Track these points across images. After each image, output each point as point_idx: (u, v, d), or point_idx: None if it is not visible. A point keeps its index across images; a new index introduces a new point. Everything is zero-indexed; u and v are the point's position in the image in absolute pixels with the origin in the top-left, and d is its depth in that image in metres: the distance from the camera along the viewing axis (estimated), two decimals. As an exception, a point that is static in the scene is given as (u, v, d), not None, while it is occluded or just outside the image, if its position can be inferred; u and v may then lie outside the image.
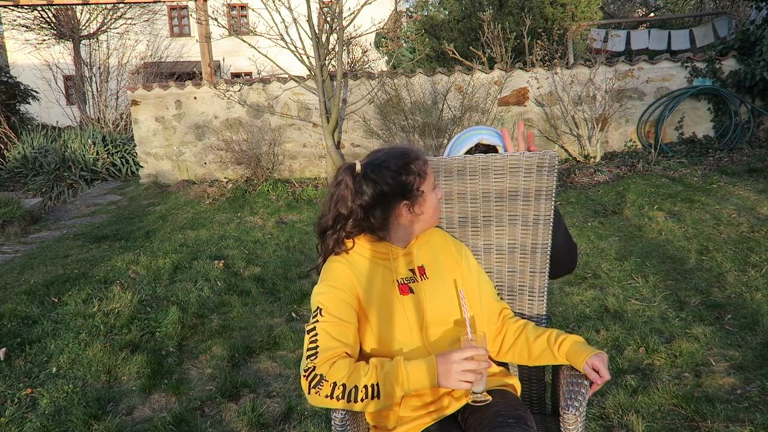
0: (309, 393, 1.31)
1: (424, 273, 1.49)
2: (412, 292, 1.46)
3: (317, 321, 1.36)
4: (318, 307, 1.38)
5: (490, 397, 1.35)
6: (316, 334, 1.35)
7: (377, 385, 1.28)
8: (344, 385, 1.28)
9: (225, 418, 2.53)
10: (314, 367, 1.31)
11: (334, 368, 1.30)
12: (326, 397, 1.29)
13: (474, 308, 1.50)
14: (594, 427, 2.28)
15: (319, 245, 1.51)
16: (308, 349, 1.34)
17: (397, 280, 1.46)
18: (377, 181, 1.40)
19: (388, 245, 1.48)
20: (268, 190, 7.16)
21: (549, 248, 1.68)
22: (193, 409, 2.60)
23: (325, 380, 1.29)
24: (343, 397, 1.28)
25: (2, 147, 10.11)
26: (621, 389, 2.49)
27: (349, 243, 1.46)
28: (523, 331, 1.51)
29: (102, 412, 2.59)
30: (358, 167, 1.42)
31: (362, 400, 1.28)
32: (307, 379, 1.30)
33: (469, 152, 1.87)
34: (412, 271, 1.48)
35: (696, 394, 2.42)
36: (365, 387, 1.28)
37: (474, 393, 1.33)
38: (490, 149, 1.87)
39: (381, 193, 1.41)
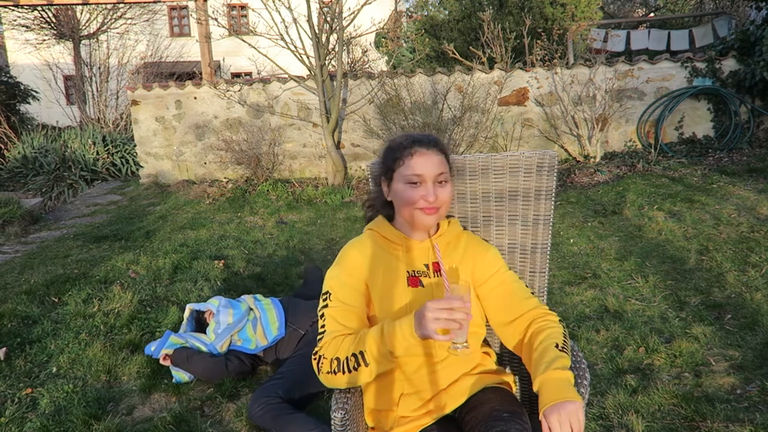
0: (319, 374, 1.39)
1: (439, 270, 1.50)
2: (421, 285, 1.48)
3: (326, 306, 1.45)
4: (328, 291, 1.47)
5: (469, 348, 1.32)
6: (324, 319, 1.44)
7: (362, 352, 1.34)
8: (338, 359, 1.36)
9: (225, 418, 2.53)
10: (319, 349, 1.40)
11: (331, 345, 1.39)
12: (327, 373, 1.37)
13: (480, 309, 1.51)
14: (594, 427, 2.28)
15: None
16: (318, 333, 1.45)
17: (408, 272, 1.48)
18: (381, 157, 1.56)
19: (403, 237, 1.52)
20: (268, 190, 7.16)
21: (549, 248, 1.69)
22: (193, 409, 2.60)
23: (325, 358, 1.38)
24: (339, 370, 1.35)
25: (2, 147, 10.11)
26: (621, 389, 2.49)
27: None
28: (535, 339, 1.43)
29: (102, 412, 2.59)
30: None
31: (355, 368, 1.34)
32: (315, 362, 1.41)
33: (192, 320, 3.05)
34: (427, 266, 1.51)
35: (696, 394, 2.42)
36: (353, 355, 1.35)
37: (454, 343, 1.31)
38: (201, 315, 2.98)
39: (378, 169, 1.57)
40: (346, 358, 1.35)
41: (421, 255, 1.51)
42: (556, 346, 1.35)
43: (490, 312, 1.52)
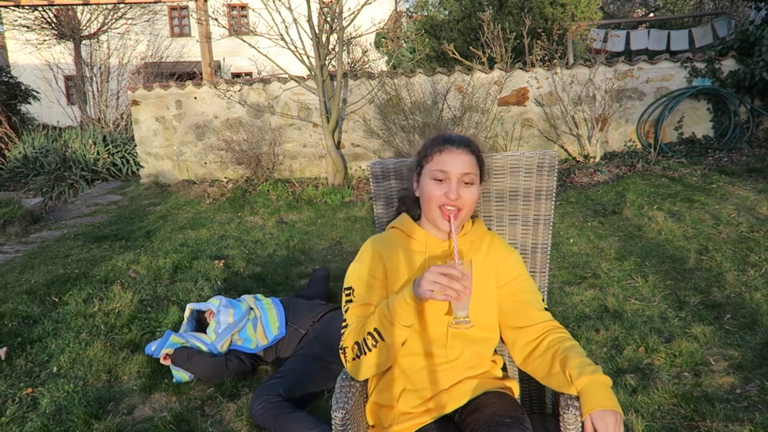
0: (346, 364, 1.44)
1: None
2: None
3: (350, 301, 1.49)
4: (351, 287, 1.51)
5: (471, 324, 1.36)
6: (347, 314, 1.48)
7: (376, 328, 1.38)
8: (357, 343, 1.40)
9: (225, 417, 2.53)
10: (342, 342, 1.45)
11: (351, 335, 1.42)
12: (353, 360, 1.41)
13: (487, 311, 1.51)
14: (593, 426, 2.28)
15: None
16: (342, 327, 1.48)
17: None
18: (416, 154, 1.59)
19: (425, 234, 1.53)
20: (268, 190, 7.16)
21: (549, 248, 1.69)
22: (194, 408, 2.60)
23: (347, 347, 1.42)
24: (361, 353, 1.39)
25: (3, 147, 10.11)
26: (621, 389, 2.50)
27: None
28: (559, 345, 1.42)
29: (102, 411, 2.59)
30: None
31: (374, 345, 1.38)
32: (342, 355, 1.45)
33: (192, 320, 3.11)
34: None
35: (695, 394, 2.42)
36: (369, 333, 1.38)
37: (456, 318, 1.35)
38: (202, 315, 3.09)
39: (413, 162, 1.60)
40: (363, 339, 1.39)
41: (441, 254, 1.52)
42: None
43: (501, 315, 1.52)
